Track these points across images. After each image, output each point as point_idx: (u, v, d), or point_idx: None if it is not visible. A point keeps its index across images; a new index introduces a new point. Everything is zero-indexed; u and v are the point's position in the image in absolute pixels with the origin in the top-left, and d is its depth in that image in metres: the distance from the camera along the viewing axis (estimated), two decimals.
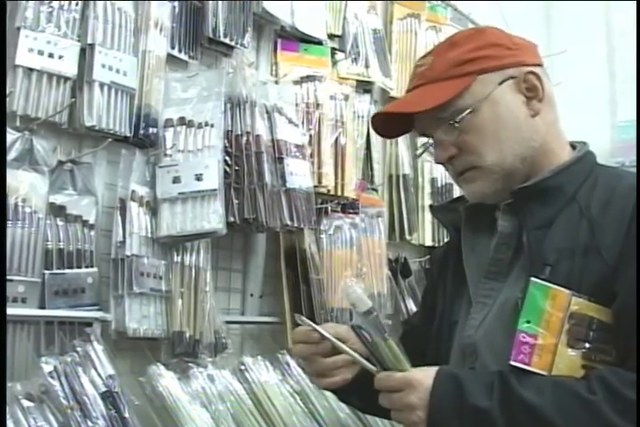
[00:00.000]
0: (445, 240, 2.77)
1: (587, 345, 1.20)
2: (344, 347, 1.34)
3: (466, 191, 1.39)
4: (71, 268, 1.73)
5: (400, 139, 2.81)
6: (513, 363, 1.19)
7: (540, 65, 1.39)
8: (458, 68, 1.32)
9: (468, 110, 1.30)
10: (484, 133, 1.31)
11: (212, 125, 1.98)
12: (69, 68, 1.73)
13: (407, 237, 2.77)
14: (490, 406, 1.15)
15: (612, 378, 1.15)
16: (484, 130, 1.31)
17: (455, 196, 2.90)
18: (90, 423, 1.56)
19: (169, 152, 1.93)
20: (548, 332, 1.20)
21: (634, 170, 3.75)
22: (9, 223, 1.62)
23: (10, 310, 1.56)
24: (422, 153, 1.50)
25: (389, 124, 1.43)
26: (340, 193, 2.41)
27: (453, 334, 1.40)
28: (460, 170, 1.35)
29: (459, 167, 1.35)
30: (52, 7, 1.71)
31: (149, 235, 1.87)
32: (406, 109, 1.35)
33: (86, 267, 1.76)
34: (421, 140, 2.83)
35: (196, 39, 2.10)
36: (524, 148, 1.33)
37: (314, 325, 1.38)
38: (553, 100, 1.38)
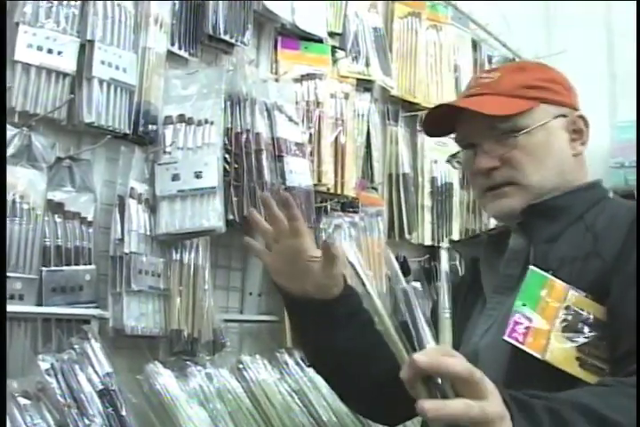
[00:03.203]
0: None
1: (581, 339, 1.23)
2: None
3: (494, 206, 1.43)
4: (69, 265, 1.72)
5: (400, 138, 2.81)
6: (506, 338, 1.21)
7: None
8: (525, 90, 1.40)
9: (528, 129, 1.37)
10: (535, 155, 1.38)
11: (211, 123, 1.97)
12: (68, 64, 1.72)
13: (407, 236, 2.76)
14: None
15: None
16: (535, 152, 1.38)
17: (455, 196, 2.96)
18: (87, 421, 1.55)
19: (168, 149, 1.92)
20: (543, 318, 1.23)
21: (633, 170, 3.77)
22: (7, 220, 1.61)
23: (7, 308, 1.55)
24: (449, 161, 1.55)
25: (435, 122, 1.49)
26: (339, 192, 2.40)
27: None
28: (498, 183, 1.40)
29: (497, 180, 1.40)
30: (51, 3, 1.70)
31: (148, 232, 1.86)
32: (487, 111, 1.38)
33: (84, 264, 1.75)
34: (423, 140, 2.86)
35: (196, 36, 2.08)
36: (561, 180, 1.40)
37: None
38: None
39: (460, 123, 1.47)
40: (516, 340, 1.21)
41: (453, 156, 1.55)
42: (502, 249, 1.44)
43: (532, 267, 1.27)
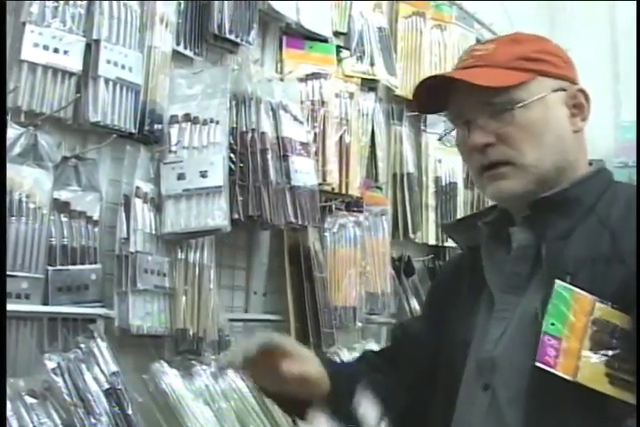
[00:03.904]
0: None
1: (609, 353, 1.17)
2: None
3: (493, 189, 1.34)
4: (75, 264, 1.72)
5: (404, 137, 2.81)
6: (538, 364, 1.15)
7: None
8: (521, 61, 1.31)
9: (525, 102, 1.29)
10: (531, 131, 1.30)
11: (217, 122, 1.97)
12: (74, 63, 1.73)
13: (411, 235, 2.76)
14: None
15: None
16: (531, 128, 1.30)
17: (459, 195, 2.96)
18: (93, 420, 1.56)
19: (174, 149, 1.93)
20: (572, 336, 1.18)
21: (635, 170, 3.76)
22: (13, 219, 1.61)
23: (13, 307, 1.55)
24: (442, 137, 1.46)
25: (426, 97, 1.39)
26: (344, 191, 2.40)
27: (465, 353, 1.34)
28: (493, 161, 1.31)
29: (492, 157, 1.31)
30: (57, 2, 1.70)
31: (153, 232, 1.87)
32: (480, 82, 1.28)
33: (90, 263, 1.75)
34: (427, 139, 2.86)
35: (202, 36, 2.09)
36: (562, 158, 1.32)
37: None
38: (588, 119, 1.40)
39: (452, 98, 1.36)
40: (548, 364, 1.15)
41: (446, 133, 1.47)
42: (503, 238, 1.36)
43: (557, 281, 1.20)
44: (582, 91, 1.35)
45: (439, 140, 1.45)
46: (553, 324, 1.18)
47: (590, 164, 1.40)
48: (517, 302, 1.30)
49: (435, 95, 1.37)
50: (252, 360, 1.25)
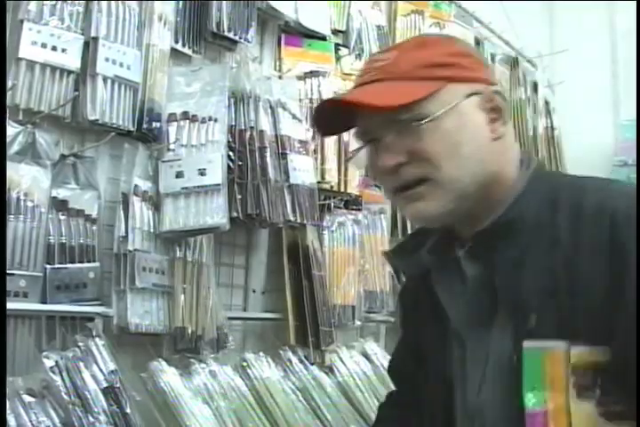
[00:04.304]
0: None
1: (597, 392, 1.11)
2: None
3: (410, 210, 1.22)
4: (73, 262, 1.72)
5: None
6: None
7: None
8: (427, 69, 1.19)
9: (434, 115, 1.17)
10: (445, 144, 1.17)
11: (215, 120, 1.97)
12: (73, 61, 1.72)
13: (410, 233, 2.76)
14: None
15: None
16: (445, 141, 1.17)
17: None
18: (91, 419, 1.55)
19: (172, 147, 1.93)
20: (556, 393, 1.12)
21: (634, 169, 3.76)
22: (11, 217, 1.60)
23: (11, 305, 1.55)
24: (351, 158, 1.32)
25: (331, 117, 1.25)
26: (343, 189, 2.40)
27: (449, 392, 1.29)
28: (408, 181, 1.19)
29: (407, 177, 1.19)
30: (55, 0, 1.70)
31: (152, 230, 1.86)
32: (378, 102, 1.15)
33: (88, 262, 1.75)
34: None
35: (200, 33, 2.09)
36: (482, 170, 1.20)
37: None
38: (510, 122, 1.28)
39: (357, 116, 1.22)
40: None
41: (354, 154, 1.29)
42: (452, 263, 1.25)
43: (525, 344, 1.12)
44: (499, 92, 1.24)
45: (347, 161, 1.26)
46: (533, 388, 1.13)
47: (521, 160, 1.27)
48: (486, 339, 1.22)
49: (339, 114, 1.23)
50: None
